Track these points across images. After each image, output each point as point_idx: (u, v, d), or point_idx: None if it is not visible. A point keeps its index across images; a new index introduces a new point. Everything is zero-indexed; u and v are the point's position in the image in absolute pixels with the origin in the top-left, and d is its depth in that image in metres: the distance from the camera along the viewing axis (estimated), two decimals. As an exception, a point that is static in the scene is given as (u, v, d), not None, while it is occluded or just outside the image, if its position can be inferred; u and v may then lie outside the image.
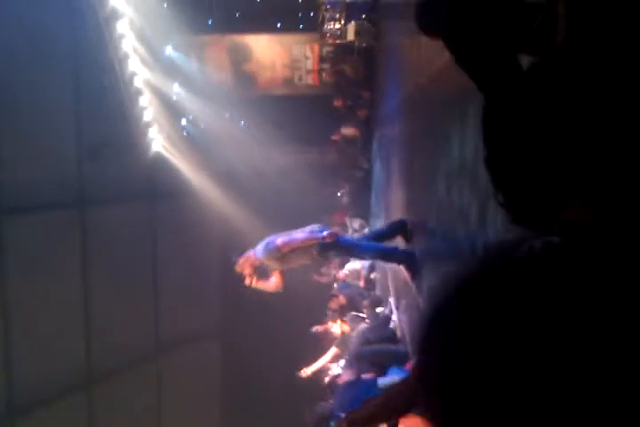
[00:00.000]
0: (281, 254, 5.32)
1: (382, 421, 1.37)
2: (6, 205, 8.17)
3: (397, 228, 5.91)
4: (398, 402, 1.30)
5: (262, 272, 5.60)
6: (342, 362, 6.85)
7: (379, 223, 9.54)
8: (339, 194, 12.62)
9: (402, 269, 5.66)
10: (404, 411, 1.29)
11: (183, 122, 11.68)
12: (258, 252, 5.40)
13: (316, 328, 8.33)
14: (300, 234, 5.39)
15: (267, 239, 5.44)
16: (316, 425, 5.28)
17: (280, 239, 5.31)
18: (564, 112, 0.65)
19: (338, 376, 6.37)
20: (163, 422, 11.04)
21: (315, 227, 5.59)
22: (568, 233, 0.75)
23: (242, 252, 5.56)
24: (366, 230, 10.13)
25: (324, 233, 5.37)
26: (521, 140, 0.69)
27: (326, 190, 12.34)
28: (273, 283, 5.59)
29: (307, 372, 7.60)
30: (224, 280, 12.30)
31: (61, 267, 8.91)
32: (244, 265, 5.50)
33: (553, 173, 0.68)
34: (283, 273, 5.61)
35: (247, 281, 5.57)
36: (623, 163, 0.65)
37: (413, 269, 5.31)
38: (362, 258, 6.90)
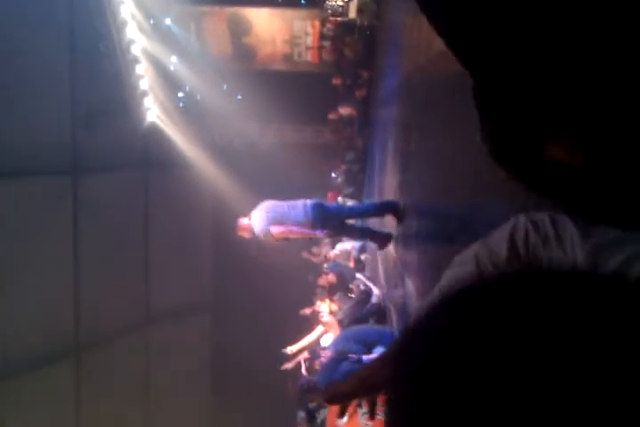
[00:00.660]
0: (274, 239, 5.64)
1: (362, 396, 1.36)
2: (0, 168, 8.13)
3: (389, 207, 6.06)
4: (378, 378, 1.30)
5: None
6: (328, 339, 6.92)
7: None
8: (333, 173, 12.60)
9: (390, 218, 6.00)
10: (382, 387, 1.29)
11: (179, 93, 11.57)
12: (255, 226, 5.61)
13: (304, 311, 8.39)
14: (296, 224, 5.59)
15: (263, 212, 5.63)
16: (299, 397, 5.37)
17: (276, 229, 5.54)
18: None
19: (322, 351, 6.47)
20: (150, 393, 11.14)
21: (307, 206, 5.72)
22: (554, 176, 0.73)
23: (237, 220, 5.79)
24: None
25: (318, 232, 5.67)
26: (514, 65, 0.67)
27: (320, 169, 12.33)
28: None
29: (292, 349, 7.65)
30: (216, 252, 12.35)
31: (52, 234, 8.90)
32: (243, 231, 5.73)
33: (543, 101, 0.66)
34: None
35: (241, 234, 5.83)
36: (620, 98, 0.62)
37: (399, 215, 5.72)
38: (351, 234, 7.04)
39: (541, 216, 0.88)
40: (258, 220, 5.65)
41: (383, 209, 6.15)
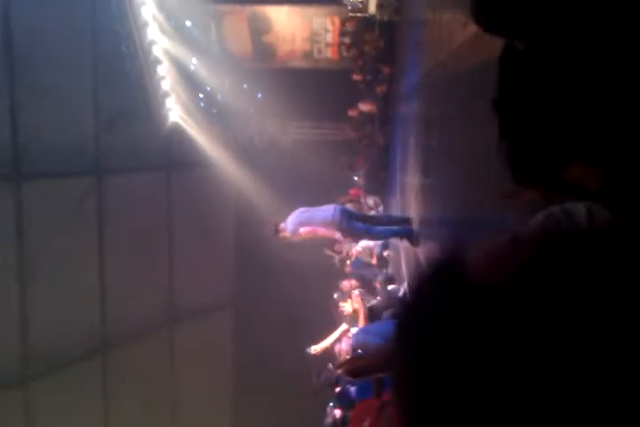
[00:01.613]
0: (302, 238, 6.46)
1: (378, 371, 1.47)
2: (26, 170, 8.26)
3: (404, 234, 6.55)
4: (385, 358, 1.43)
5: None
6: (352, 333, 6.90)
7: (393, 202, 9.50)
8: (354, 170, 12.55)
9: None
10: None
11: (200, 93, 11.62)
12: (288, 227, 6.39)
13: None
14: (321, 226, 6.33)
15: (295, 217, 6.41)
16: (323, 389, 5.41)
17: (304, 229, 6.35)
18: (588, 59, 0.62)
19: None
20: (176, 389, 11.25)
21: (335, 211, 6.31)
22: (577, 196, 0.71)
23: (277, 224, 6.54)
24: (380, 208, 10.10)
25: (338, 236, 6.51)
26: (539, 84, 0.66)
27: (342, 166, 12.29)
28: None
29: (315, 349, 7.65)
30: (238, 251, 12.41)
31: (78, 234, 9.02)
32: (282, 233, 6.50)
33: (566, 122, 0.65)
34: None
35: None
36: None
37: (414, 241, 6.27)
38: (374, 238, 7.46)
39: (578, 206, 0.89)
40: (290, 223, 6.39)
41: (399, 234, 6.67)
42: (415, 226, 6.42)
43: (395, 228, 7.04)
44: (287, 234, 6.44)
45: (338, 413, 6.28)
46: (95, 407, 9.59)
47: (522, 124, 0.70)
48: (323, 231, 6.38)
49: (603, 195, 0.64)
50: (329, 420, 6.40)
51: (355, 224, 6.39)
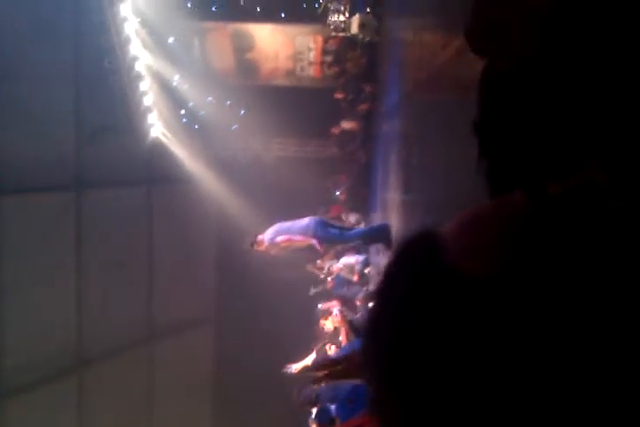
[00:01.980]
0: (280, 247, 6.70)
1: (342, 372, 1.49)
2: (4, 185, 8.16)
3: (379, 232, 6.65)
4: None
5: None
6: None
7: (375, 218, 9.54)
8: (336, 188, 12.61)
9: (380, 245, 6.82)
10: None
11: (182, 110, 11.63)
12: (266, 239, 6.64)
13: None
14: (298, 234, 6.57)
15: (273, 229, 6.67)
16: (304, 407, 5.36)
17: (280, 238, 6.58)
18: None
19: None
20: (154, 406, 11.07)
21: (310, 222, 6.64)
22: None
23: (255, 236, 6.81)
24: (362, 225, 10.14)
25: (314, 241, 6.58)
26: (520, 105, 0.66)
27: (324, 184, 12.33)
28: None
29: (296, 368, 7.59)
30: (219, 267, 12.33)
31: (56, 248, 8.92)
32: (258, 246, 6.75)
33: (550, 141, 0.64)
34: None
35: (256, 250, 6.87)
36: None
37: (388, 241, 6.41)
38: (349, 242, 7.62)
39: None
40: (268, 233, 6.66)
41: (373, 238, 6.83)
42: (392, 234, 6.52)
43: (367, 229, 7.33)
44: (264, 246, 6.65)
45: None
46: (71, 424, 9.39)
47: (502, 144, 0.70)
48: (299, 239, 6.58)
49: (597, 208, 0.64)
50: None
51: (329, 231, 6.66)
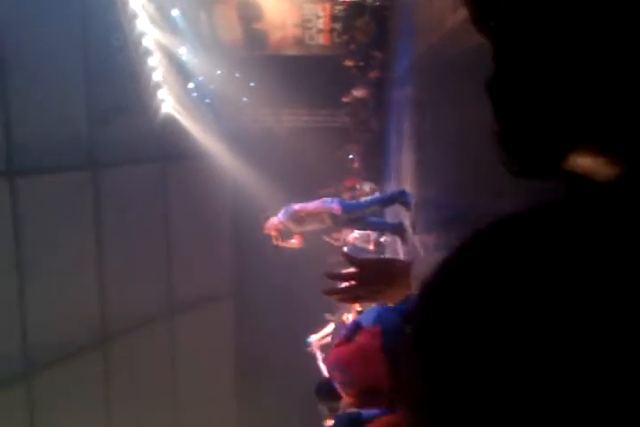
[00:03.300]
0: (298, 217, 6.43)
1: (372, 278, 1.39)
2: (20, 166, 8.23)
3: (397, 196, 6.59)
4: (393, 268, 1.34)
5: (285, 235, 6.77)
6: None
7: (389, 187, 9.51)
8: (350, 157, 12.54)
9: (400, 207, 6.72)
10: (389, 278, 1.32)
11: (191, 84, 11.55)
12: (280, 215, 6.49)
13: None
14: (316, 206, 6.47)
15: (286, 207, 6.50)
16: (321, 398, 5.28)
17: (297, 205, 6.46)
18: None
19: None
20: (177, 380, 11.31)
21: (327, 199, 6.59)
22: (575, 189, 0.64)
23: (267, 217, 6.65)
24: (377, 194, 10.12)
25: (334, 205, 6.43)
26: (538, 60, 0.59)
27: (337, 153, 12.27)
28: (295, 241, 6.80)
29: (313, 339, 7.71)
30: (237, 241, 12.42)
31: (75, 227, 9.01)
32: (270, 228, 6.59)
33: (571, 102, 0.57)
34: (302, 235, 6.80)
35: (274, 241, 6.71)
36: None
37: (408, 204, 6.40)
38: (366, 225, 7.34)
39: None
40: (281, 211, 6.53)
41: (391, 202, 6.76)
42: (411, 197, 6.46)
43: (385, 195, 7.26)
44: (277, 226, 6.51)
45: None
46: (97, 399, 9.64)
47: (518, 106, 0.63)
48: (317, 207, 6.44)
49: (615, 187, 0.55)
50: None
51: (346, 201, 6.70)
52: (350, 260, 1.46)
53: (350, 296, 1.46)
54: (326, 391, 5.18)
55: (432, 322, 0.46)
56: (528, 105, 0.62)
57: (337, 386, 3.26)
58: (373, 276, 1.40)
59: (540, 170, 0.65)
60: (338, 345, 3.13)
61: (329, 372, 3.91)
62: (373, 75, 11.25)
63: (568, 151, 0.60)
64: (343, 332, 5.08)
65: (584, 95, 0.57)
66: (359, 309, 6.78)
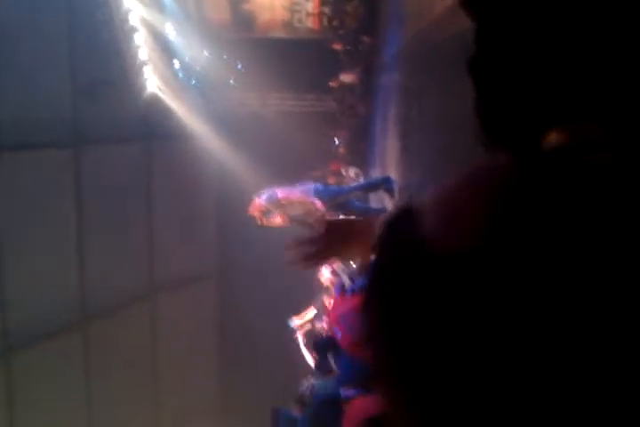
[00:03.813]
0: (281, 204, 6.35)
1: (342, 237, 1.39)
2: (1, 141, 8.11)
3: (381, 183, 6.61)
4: (364, 229, 1.33)
5: (268, 215, 6.59)
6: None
7: (374, 172, 9.53)
8: (336, 142, 12.52)
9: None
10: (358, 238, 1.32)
11: (178, 64, 11.42)
12: (263, 199, 6.37)
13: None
14: (298, 190, 6.39)
15: (270, 189, 6.41)
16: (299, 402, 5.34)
17: (280, 192, 6.34)
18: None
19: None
20: (158, 361, 11.32)
21: (310, 186, 6.51)
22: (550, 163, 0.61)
23: (252, 198, 6.49)
24: (361, 179, 10.14)
25: (317, 202, 6.34)
26: (519, 33, 0.60)
27: (323, 138, 12.24)
28: (279, 219, 6.56)
29: (298, 321, 7.74)
30: (220, 222, 12.39)
31: (55, 205, 8.92)
32: (253, 209, 6.46)
33: (551, 78, 0.58)
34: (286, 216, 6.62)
35: (257, 222, 6.57)
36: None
37: (392, 191, 6.38)
38: (350, 209, 7.28)
39: None
40: (265, 194, 6.40)
41: (375, 187, 6.75)
42: (396, 183, 6.51)
43: (369, 181, 7.21)
44: (259, 207, 6.42)
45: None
46: (77, 379, 9.62)
47: (498, 85, 0.63)
48: (300, 196, 6.39)
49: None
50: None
51: (329, 188, 6.66)
52: (314, 226, 1.48)
53: (313, 258, 1.47)
54: (325, 345, 5.32)
55: (379, 276, 0.48)
56: (507, 83, 0.62)
57: (340, 340, 3.42)
58: (337, 236, 1.42)
59: (517, 148, 0.64)
60: (336, 304, 3.25)
61: (336, 325, 4.02)
62: (362, 60, 11.21)
63: (545, 129, 0.60)
64: (335, 294, 5.21)
65: (561, 74, 0.58)
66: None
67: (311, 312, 7.77)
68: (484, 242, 0.40)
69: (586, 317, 0.37)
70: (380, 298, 0.47)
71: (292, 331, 7.68)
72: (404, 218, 0.49)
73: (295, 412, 5.00)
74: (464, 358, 0.40)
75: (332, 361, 5.70)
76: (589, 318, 0.37)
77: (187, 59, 11.49)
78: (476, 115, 0.68)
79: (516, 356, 0.38)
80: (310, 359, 6.53)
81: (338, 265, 7.39)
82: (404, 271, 0.44)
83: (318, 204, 6.43)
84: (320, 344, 5.66)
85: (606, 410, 0.37)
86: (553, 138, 0.59)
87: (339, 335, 3.94)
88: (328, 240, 1.40)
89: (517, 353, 0.38)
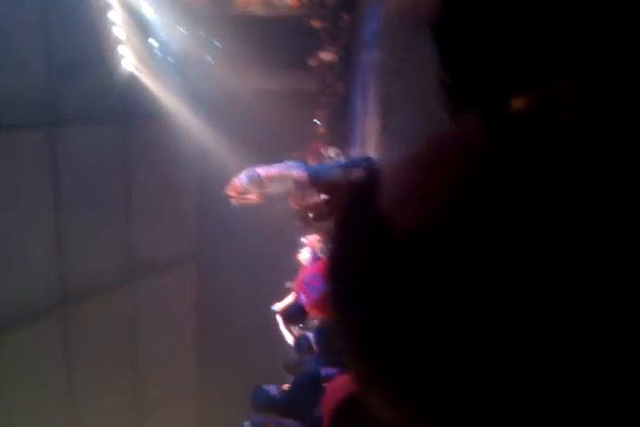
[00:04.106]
0: (261, 183, 6.09)
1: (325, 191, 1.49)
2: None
3: (360, 162, 6.61)
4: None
5: (245, 194, 6.31)
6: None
7: (354, 152, 9.50)
8: (315, 121, 12.44)
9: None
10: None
11: (155, 42, 11.21)
12: (242, 179, 6.10)
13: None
14: (279, 166, 6.17)
15: (251, 169, 6.14)
16: (290, 371, 5.48)
17: (260, 169, 6.10)
18: None
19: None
20: (139, 345, 11.31)
21: (291, 163, 6.28)
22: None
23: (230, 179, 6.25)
24: (341, 158, 10.11)
25: (297, 173, 6.04)
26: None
27: (303, 117, 12.15)
28: (254, 198, 6.32)
29: (279, 306, 7.76)
30: (201, 205, 12.32)
31: (32, 187, 8.79)
32: (230, 190, 6.19)
33: (510, 49, 0.55)
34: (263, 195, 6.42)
35: (233, 202, 6.31)
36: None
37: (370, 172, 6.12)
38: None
39: None
40: (244, 173, 6.12)
41: (357, 164, 6.75)
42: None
43: (348, 160, 7.24)
44: (238, 188, 6.17)
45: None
46: (56, 362, 9.59)
47: (463, 50, 0.60)
48: (280, 171, 6.18)
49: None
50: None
51: (310, 166, 6.61)
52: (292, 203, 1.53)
53: (322, 212, 1.55)
54: (294, 313, 5.42)
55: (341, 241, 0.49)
56: (471, 49, 0.60)
57: (305, 304, 3.53)
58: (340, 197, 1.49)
59: (485, 113, 0.60)
60: (304, 271, 3.38)
61: (301, 288, 4.09)
62: (341, 38, 11.09)
63: (514, 90, 0.57)
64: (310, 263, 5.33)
65: (523, 40, 0.55)
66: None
67: (292, 295, 7.79)
68: (452, 210, 0.39)
69: (559, 292, 0.35)
70: (340, 268, 0.48)
71: (273, 313, 7.71)
72: (368, 187, 0.49)
73: (274, 390, 5.05)
74: (425, 332, 0.40)
75: (310, 338, 5.75)
76: (563, 294, 0.35)
77: (163, 36, 11.28)
78: (440, 81, 0.65)
79: (477, 328, 0.38)
80: (290, 338, 6.57)
81: (318, 246, 7.40)
82: (364, 245, 0.44)
83: (300, 172, 6.38)
84: (289, 313, 5.75)
85: (597, 405, 0.37)
86: (523, 100, 0.56)
87: (304, 300, 4.04)
88: (335, 202, 1.48)
89: (479, 326, 0.38)
